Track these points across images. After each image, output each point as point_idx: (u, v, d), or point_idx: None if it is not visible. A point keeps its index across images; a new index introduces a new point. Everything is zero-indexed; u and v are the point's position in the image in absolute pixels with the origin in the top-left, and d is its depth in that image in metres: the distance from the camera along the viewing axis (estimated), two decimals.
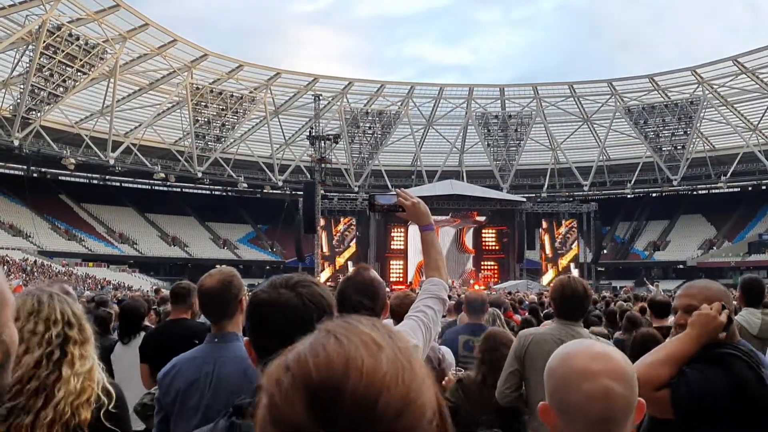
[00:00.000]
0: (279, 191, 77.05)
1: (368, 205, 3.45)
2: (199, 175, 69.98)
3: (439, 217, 62.37)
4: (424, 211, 3.37)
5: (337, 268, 60.06)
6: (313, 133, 60.69)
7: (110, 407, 2.56)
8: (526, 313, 11.50)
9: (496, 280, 61.00)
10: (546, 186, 76.75)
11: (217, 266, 3.78)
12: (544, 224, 64.32)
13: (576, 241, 63.88)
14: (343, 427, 0.82)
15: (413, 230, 63.05)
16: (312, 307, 1.90)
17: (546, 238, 64.46)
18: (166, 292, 23.30)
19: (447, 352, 5.49)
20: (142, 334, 6.32)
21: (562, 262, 63.00)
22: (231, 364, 3.02)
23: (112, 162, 63.84)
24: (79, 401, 2.45)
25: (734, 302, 4.23)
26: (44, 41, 52.90)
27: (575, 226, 63.75)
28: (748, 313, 5.36)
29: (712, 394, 2.51)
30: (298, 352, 0.89)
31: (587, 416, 1.59)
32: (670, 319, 5.74)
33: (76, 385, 2.44)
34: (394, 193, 3.37)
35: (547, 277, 60.76)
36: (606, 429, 1.60)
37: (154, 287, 43.13)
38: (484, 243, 65.83)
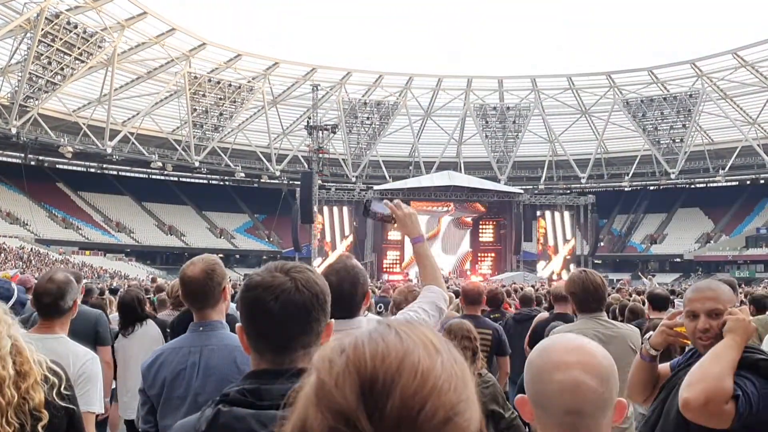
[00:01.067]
0: (276, 181, 77.05)
1: (363, 209, 3.39)
2: (197, 164, 69.92)
3: (439, 208, 62.52)
4: (414, 224, 3.26)
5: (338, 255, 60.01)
6: (311, 123, 60.63)
7: (62, 387, 2.53)
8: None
9: (493, 271, 61.12)
10: (543, 178, 76.74)
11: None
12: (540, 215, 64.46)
13: (573, 234, 63.96)
14: (388, 421, 0.80)
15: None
16: (306, 292, 1.87)
17: (544, 230, 64.58)
18: (161, 281, 23.28)
19: None
20: (147, 323, 6.32)
21: (558, 255, 63.10)
22: (219, 353, 2.99)
23: (109, 150, 63.78)
24: (26, 384, 2.40)
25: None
26: (42, 29, 52.71)
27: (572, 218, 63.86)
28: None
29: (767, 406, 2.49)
30: (356, 338, 0.88)
31: (558, 407, 1.58)
32: (667, 313, 5.79)
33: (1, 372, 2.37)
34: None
35: (548, 268, 60.88)
36: (576, 421, 1.58)
37: (150, 276, 43.07)
38: (481, 234, 65.91)
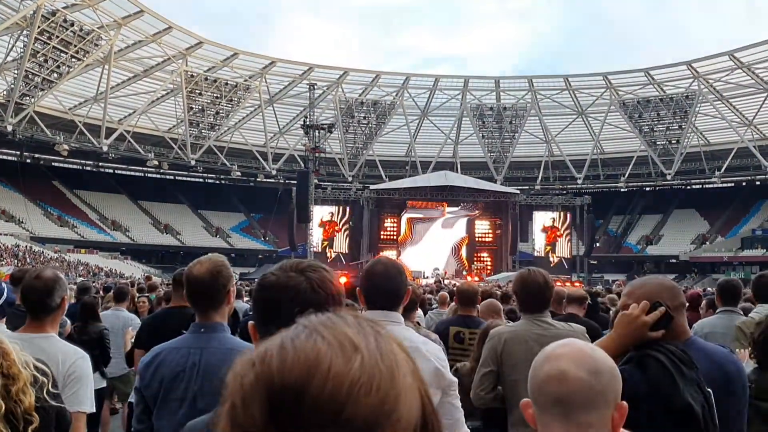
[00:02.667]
0: (272, 180, 77.03)
1: None
2: (193, 163, 69.82)
3: (435, 209, 62.56)
4: None
5: (330, 257, 60.15)
6: (308, 122, 60.63)
7: (50, 386, 2.50)
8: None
9: (489, 271, 61.18)
10: (540, 178, 76.77)
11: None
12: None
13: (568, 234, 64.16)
14: None
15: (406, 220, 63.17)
16: (321, 292, 1.86)
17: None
18: (156, 279, 23.22)
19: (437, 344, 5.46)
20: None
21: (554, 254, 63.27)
22: (219, 355, 2.95)
23: (105, 149, 63.67)
24: (16, 388, 2.36)
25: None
26: (39, 27, 52.58)
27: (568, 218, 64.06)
28: (763, 309, 5.48)
29: (633, 398, 2.43)
30: (266, 348, 0.79)
31: (546, 397, 1.59)
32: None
33: None
34: None
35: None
36: (564, 413, 1.57)
37: (146, 274, 43.04)
38: (477, 235, 65.98)
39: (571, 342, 1.66)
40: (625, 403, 1.63)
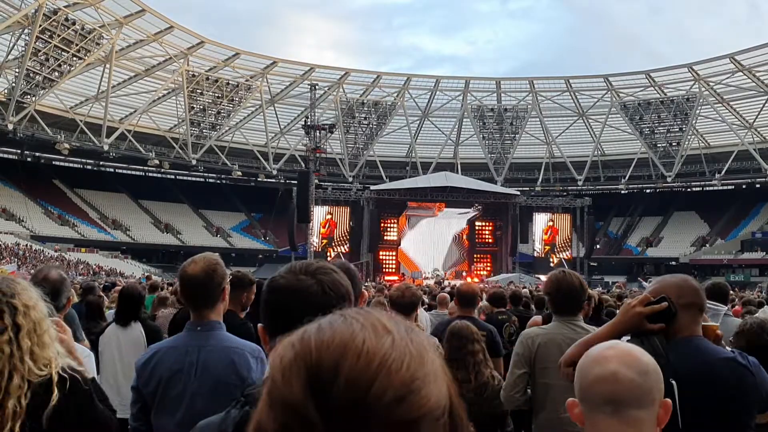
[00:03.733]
0: (273, 180, 77.00)
1: None
2: (194, 162, 69.84)
3: (431, 212, 62.54)
4: None
5: (331, 258, 60.08)
6: (309, 123, 60.66)
7: (70, 391, 2.49)
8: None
9: (488, 272, 61.21)
10: (540, 180, 76.79)
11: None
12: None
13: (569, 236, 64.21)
14: (337, 407, 0.78)
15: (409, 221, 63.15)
16: (332, 295, 1.85)
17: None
18: (156, 279, 23.24)
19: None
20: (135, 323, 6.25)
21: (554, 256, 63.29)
22: (217, 353, 2.97)
23: (106, 148, 63.65)
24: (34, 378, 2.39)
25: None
26: (40, 25, 52.60)
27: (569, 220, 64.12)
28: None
29: None
30: (305, 329, 0.87)
31: (597, 397, 1.68)
32: None
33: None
34: None
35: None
36: (615, 412, 1.66)
37: (146, 274, 43.07)
38: (477, 236, 65.97)
39: (616, 344, 1.78)
40: (668, 400, 1.73)
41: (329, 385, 0.78)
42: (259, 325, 1.96)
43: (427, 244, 62.25)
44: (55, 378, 2.43)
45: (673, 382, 2.39)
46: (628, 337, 2.59)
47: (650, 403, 1.68)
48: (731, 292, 7.16)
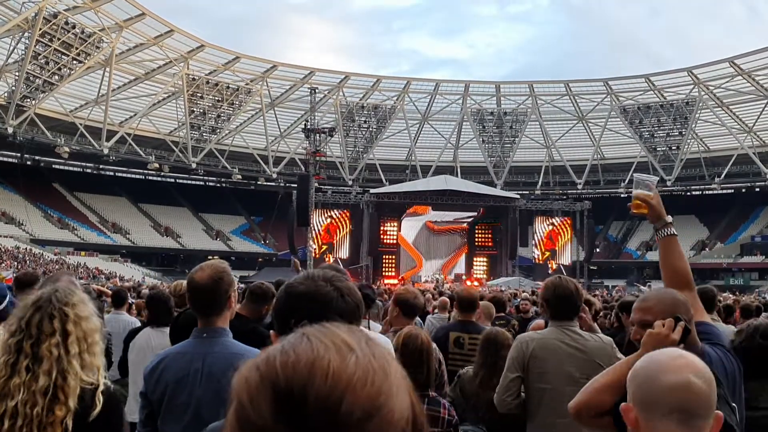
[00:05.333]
0: (273, 183, 76.99)
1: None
2: (194, 165, 69.86)
3: (433, 217, 62.62)
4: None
5: (331, 261, 60.07)
6: (309, 126, 60.65)
7: (108, 403, 2.56)
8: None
9: (488, 276, 61.19)
10: (540, 183, 76.79)
11: (210, 257, 3.73)
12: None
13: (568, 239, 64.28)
14: (309, 429, 0.80)
15: (406, 225, 63.24)
16: (350, 301, 1.91)
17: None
18: (153, 281, 23.21)
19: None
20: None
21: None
22: (222, 360, 2.99)
23: (106, 151, 63.67)
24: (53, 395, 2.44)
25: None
26: (40, 29, 52.64)
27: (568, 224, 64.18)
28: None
29: None
30: (268, 352, 0.88)
31: (667, 406, 1.69)
32: None
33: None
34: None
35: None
36: (684, 420, 1.68)
37: (144, 277, 43.10)
38: (477, 239, 66.02)
39: (684, 354, 1.78)
40: (720, 413, 1.74)
41: (299, 407, 0.80)
42: (272, 332, 2.01)
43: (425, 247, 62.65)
44: (101, 387, 2.53)
45: (734, 405, 2.44)
46: None
47: (712, 414, 1.71)
48: (731, 296, 7.21)
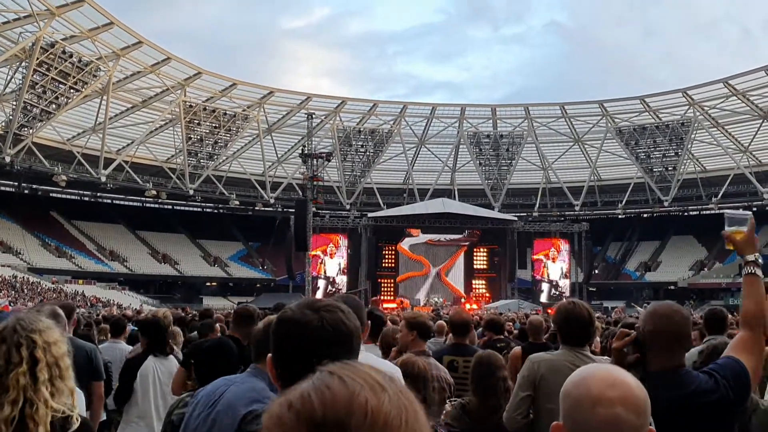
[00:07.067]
0: (270, 209, 77.02)
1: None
2: (191, 192, 69.83)
3: (433, 236, 62.59)
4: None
5: (330, 286, 60.06)
6: (306, 151, 60.79)
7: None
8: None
9: (487, 299, 61.08)
10: (537, 205, 76.87)
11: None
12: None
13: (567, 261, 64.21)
14: None
15: (406, 242, 63.18)
16: (330, 330, 1.94)
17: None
18: (150, 308, 23.12)
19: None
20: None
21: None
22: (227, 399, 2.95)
23: (103, 179, 63.69)
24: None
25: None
26: (38, 58, 52.87)
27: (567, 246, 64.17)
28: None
29: None
30: (301, 391, 0.89)
31: None
32: None
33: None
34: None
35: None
36: None
37: (142, 305, 42.96)
38: (475, 262, 65.96)
39: (616, 382, 1.69)
40: (653, 429, 1.72)
41: None
42: (269, 355, 2.04)
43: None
44: (75, 416, 2.53)
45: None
46: None
47: None
48: (730, 316, 7.15)
